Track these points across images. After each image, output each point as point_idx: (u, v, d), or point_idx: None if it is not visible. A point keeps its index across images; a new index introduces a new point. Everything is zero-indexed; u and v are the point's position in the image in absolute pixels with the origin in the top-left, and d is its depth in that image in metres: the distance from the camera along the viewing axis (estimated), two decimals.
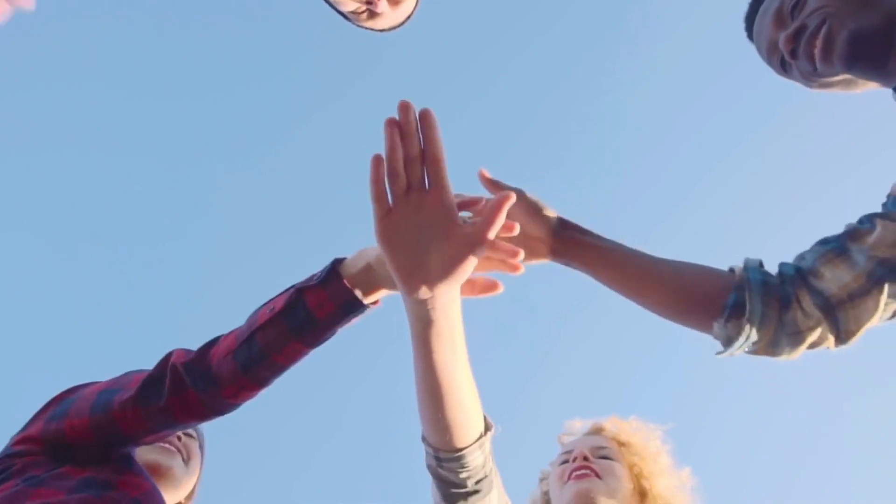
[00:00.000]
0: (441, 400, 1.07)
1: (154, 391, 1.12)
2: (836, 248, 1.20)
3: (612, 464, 1.62)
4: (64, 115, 4.67)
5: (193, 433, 1.56)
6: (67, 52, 4.61)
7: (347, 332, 1.13)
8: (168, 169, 4.76)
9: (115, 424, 1.12)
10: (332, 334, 1.12)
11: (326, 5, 1.58)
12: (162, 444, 1.44)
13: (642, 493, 1.64)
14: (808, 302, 1.18)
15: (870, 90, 1.36)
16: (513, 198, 0.99)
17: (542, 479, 1.76)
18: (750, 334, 1.19)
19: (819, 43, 1.24)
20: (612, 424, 1.76)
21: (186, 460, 1.49)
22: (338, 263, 1.11)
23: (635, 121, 5.03)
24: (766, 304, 1.19)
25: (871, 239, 1.17)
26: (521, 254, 1.04)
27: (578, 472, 1.58)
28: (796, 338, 1.19)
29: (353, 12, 1.53)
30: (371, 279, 1.09)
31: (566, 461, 1.64)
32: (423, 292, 0.98)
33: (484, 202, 1.09)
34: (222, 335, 1.15)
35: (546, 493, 1.70)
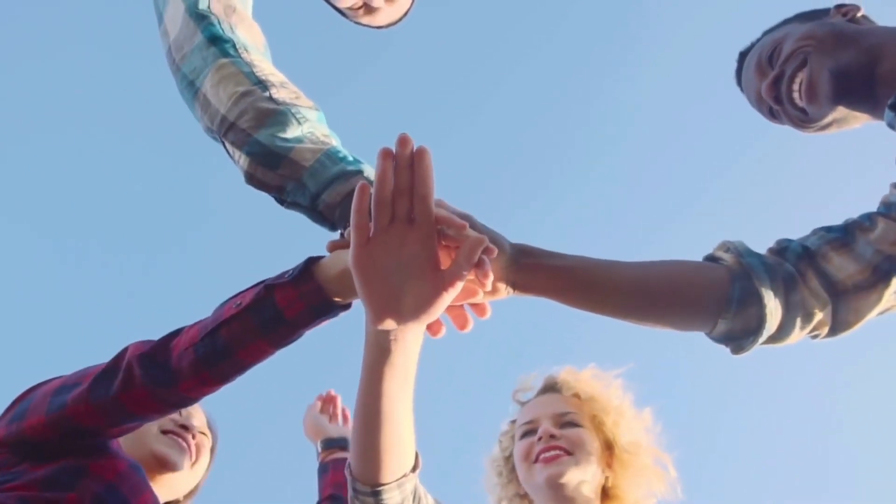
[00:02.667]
0: (376, 430, 1.06)
1: (104, 387, 1.09)
2: (841, 237, 1.15)
3: (578, 431, 1.58)
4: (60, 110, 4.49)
5: (207, 432, 1.56)
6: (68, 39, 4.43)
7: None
8: (166, 168, 4.59)
9: (71, 420, 1.10)
10: (300, 335, 1.09)
11: (323, 3, 1.57)
12: (175, 438, 1.46)
13: (609, 445, 1.60)
14: (815, 283, 1.12)
15: (866, 124, 1.35)
16: (484, 242, 0.98)
17: (500, 439, 1.70)
18: (770, 326, 1.11)
19: (803, 86, 1.27)
20: (569, 376, 1.70)
21: (194, 460, 1.49)
22: (312, 262, 1.08)
23: (635, 126, 4.85)
24: (773, 288, 1.11)
25: (874, 235, 1.13)
26: (480, 294, 1.04)
27: (547, 455, 1.53)
28: (805, 319, 1.12)
29: (349, 8, 1.53)
30: (347, 282, 1.04)
31: (529, 432, 1.60)
32: (389, 325, 0.99)
33: (467, 228, 1.00)
34: (186, 326, 1.11)
35: (509, 459, 1.64)
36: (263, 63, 1.28)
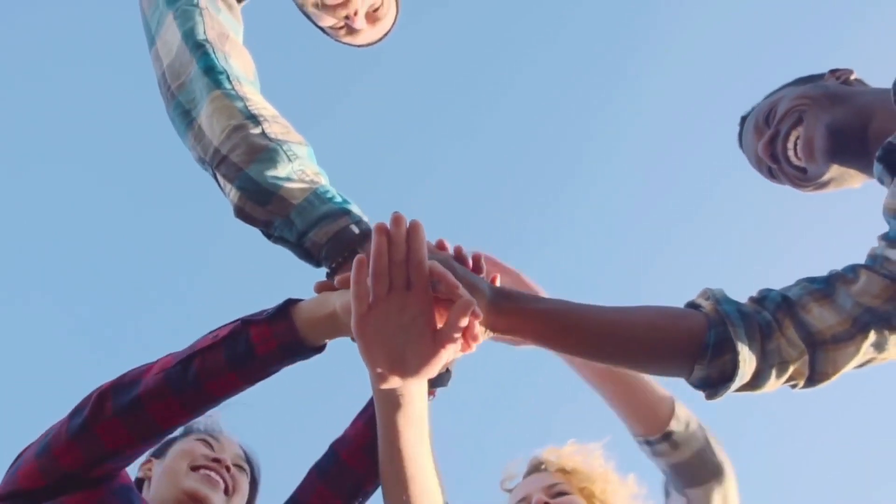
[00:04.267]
0: (405, 484, 1.09)
1: (78, 419, 1.09)
2: (822, 288, 1.15)
3: (571, 499, 1.60)
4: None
5: (245, 466, 1.52)
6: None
7: None
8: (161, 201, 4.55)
9: (56, 462, 1.09)
10: (271, 373, 1.12)
11: (306, 21, 1.62)
12: (207, 472, 1.42)
13: None
14: (791, 332, 1.12)
15: (866, 182, 1.37)
16: (472, 305, 1.02)
17: None
18: (744, 373, 1.10)
19: (800, 143, 1.33)
20: (551, 455, 1.74)
21: (230, 493, 1.44)
22: (291, 304, 1.12)
23: (630, 149, 4.89)
24: (749, 335, 1.11)
25: (856, 287, 1.13)
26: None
27: None
28: (781, 368, 1.12)
29: (331, 27, 1.57)
30: (332, 326, 1.10)
31: None
32: (395, 384, 1.04)
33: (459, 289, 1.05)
34: (160, 357, 1.13)
35: None
36: (256, 96, 1.30)
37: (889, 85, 1.27)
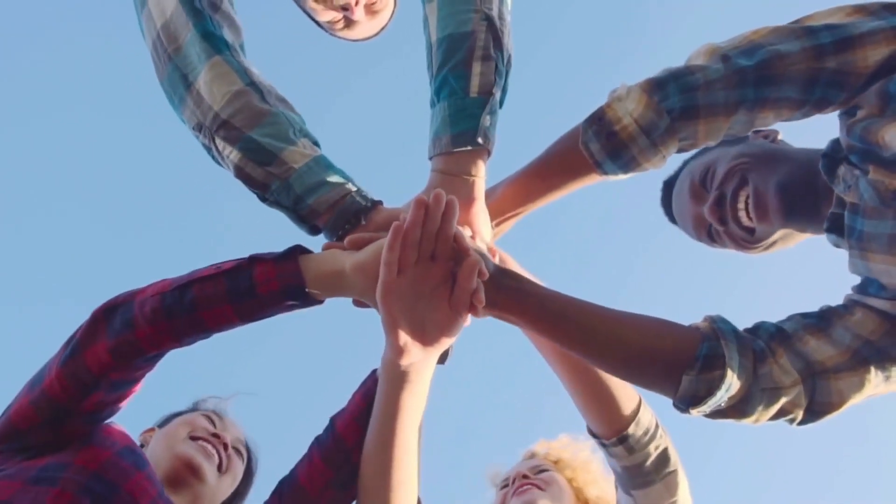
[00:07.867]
0: (390, 460, 1.14)
1: (69, 346, 1.10)
2: (817, 323, 1.15)
3: (552, 475, 1.63)
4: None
5: (243, 450, 1.51)
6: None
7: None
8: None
9: (46, 394, 1.09)
10: (268, 315, 1.13)
11: (303, 14, 1.62)
12: (203, 444, 1.41)
13: (585, 502, 1.67)
14: (785, 360, 1.11)
15: (809, 237, 1.35)
16: (479, 264, 1.09)
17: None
18: (731, 384, 1.08)
19: (751, 204, 1.28)
20: (541, 447, 1.78)
21: (223, 471, 1.42)
22: (300, 250, 1.14)
23: None
24: (741, 353, 1.10)
25: (853, 320, 1.13)
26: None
27: (519, 489, 1.57)
28: (772, 395, 1.09)
29: (329, 22, 1.58)
30: (338, 284, 1.12)
31: (504, 486, 1.64)
32: (415, 356, 1.10)
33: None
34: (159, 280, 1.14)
35: None
36: (253, 67, 1.34)
37: (813, 139, 1.28)
